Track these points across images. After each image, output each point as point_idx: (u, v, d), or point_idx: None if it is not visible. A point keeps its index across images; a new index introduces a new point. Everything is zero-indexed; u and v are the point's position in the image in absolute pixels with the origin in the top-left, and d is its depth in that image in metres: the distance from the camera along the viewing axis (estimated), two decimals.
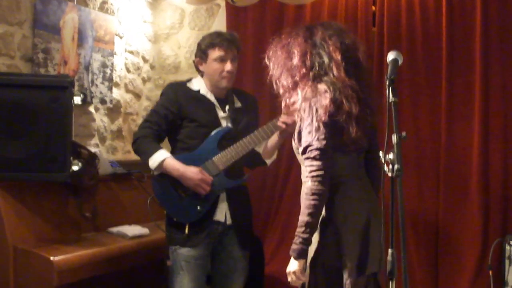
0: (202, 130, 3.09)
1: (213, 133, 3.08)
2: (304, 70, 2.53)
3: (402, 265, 2.07)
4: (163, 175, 3.06)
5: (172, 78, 5.42)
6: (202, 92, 3.17)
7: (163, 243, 3.59)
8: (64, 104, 3.21)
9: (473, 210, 4.10)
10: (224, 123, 3.15)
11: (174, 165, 3.00)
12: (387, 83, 2.20)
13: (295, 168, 4.55)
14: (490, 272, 3.90)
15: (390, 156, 2.11)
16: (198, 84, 3.21)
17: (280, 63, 2.61)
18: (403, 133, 2.15)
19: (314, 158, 2.43)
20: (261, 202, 4.74)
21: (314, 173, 2.42)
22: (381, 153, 2.16)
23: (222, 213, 3.11)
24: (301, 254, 2.44)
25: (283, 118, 2.97)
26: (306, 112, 2.48)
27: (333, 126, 2.45)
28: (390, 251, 2.15)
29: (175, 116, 3.11)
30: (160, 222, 3.36)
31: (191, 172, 2.98)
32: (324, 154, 2.44)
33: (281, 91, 2.63)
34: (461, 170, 4.17)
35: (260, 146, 3.21)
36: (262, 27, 4.80)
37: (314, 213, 2.43)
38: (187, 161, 3.03)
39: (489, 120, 4.12)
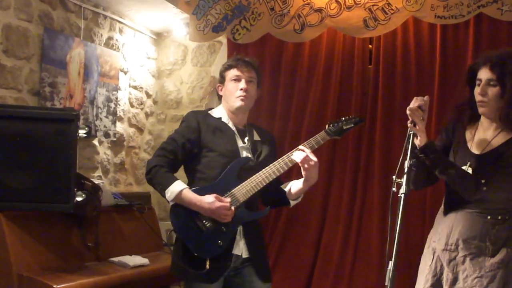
0: (221, 160, 2.95)
1: (233, 163, 2.94)
2: None
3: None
4: (180, 206, 2.89)
5: (174, 113, 5.56)
6: (223, 119, 3.07)
7: (163, 273, 3.66)
8: (69, 136, 3.26)
9: None
10: (243, 154, 3.02)
11: (190, 198, 2.84)
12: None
13: None
14: None
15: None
16: (219, 112, 3.10)
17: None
18: (413, 160, 2.44)
19: None
20: None
21: None
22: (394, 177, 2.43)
23: (240, 246, 2.94)
24: None
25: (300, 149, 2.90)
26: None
27: None
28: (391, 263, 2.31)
29: (193, 145, 2.98)
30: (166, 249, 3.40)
31: (207, 203, 2.83)
32: None
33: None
34: None
35: (285, 184, 3.13)
36: (262, 63, 4.80)
37: None
38: (206, 193, 2.87)
39: None
